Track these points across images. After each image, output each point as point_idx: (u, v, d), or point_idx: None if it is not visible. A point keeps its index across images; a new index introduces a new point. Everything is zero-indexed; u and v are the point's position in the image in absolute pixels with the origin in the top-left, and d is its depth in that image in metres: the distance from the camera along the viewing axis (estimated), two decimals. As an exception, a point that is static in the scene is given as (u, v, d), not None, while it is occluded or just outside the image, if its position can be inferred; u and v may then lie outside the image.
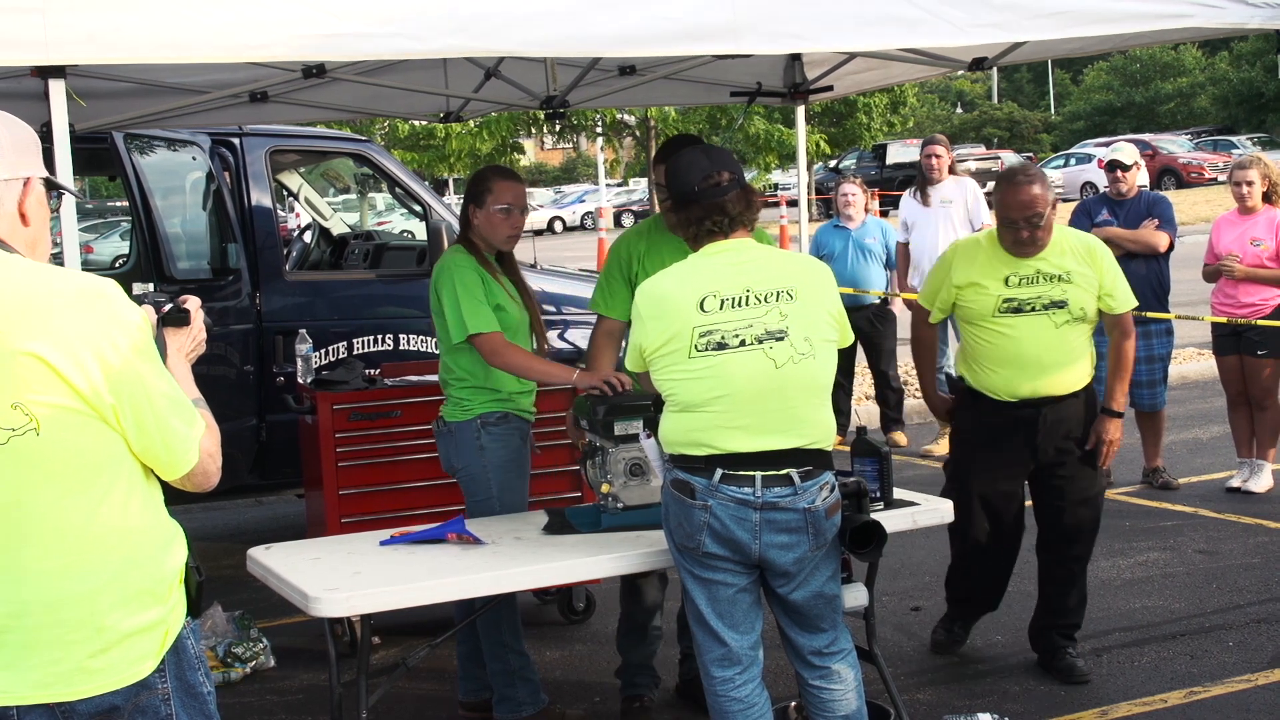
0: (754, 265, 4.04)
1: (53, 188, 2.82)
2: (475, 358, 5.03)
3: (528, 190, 5.43)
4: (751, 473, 3.95)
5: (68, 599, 2.62)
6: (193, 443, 2.76)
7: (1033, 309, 5.27)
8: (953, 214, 9.60)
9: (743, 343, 3.94)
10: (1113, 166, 8.39)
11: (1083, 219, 8.43)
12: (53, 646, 2.62)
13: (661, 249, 5.05)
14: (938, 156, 9.74)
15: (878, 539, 4.14)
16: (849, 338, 4.20)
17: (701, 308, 3.95)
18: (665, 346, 3.99)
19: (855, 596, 4.50)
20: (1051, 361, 5.32)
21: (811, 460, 4.03)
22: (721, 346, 3.94)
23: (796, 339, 3.98)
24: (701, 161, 4.13)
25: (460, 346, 5.01)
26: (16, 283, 2.60)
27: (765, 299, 3.98)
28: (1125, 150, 8.54)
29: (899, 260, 9.92)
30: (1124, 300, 5.40)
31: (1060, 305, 5.26)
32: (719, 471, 3.95)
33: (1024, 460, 5.50)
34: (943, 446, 9.75)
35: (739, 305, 3.96)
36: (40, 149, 2.80)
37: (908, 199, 9.97)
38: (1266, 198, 8.16)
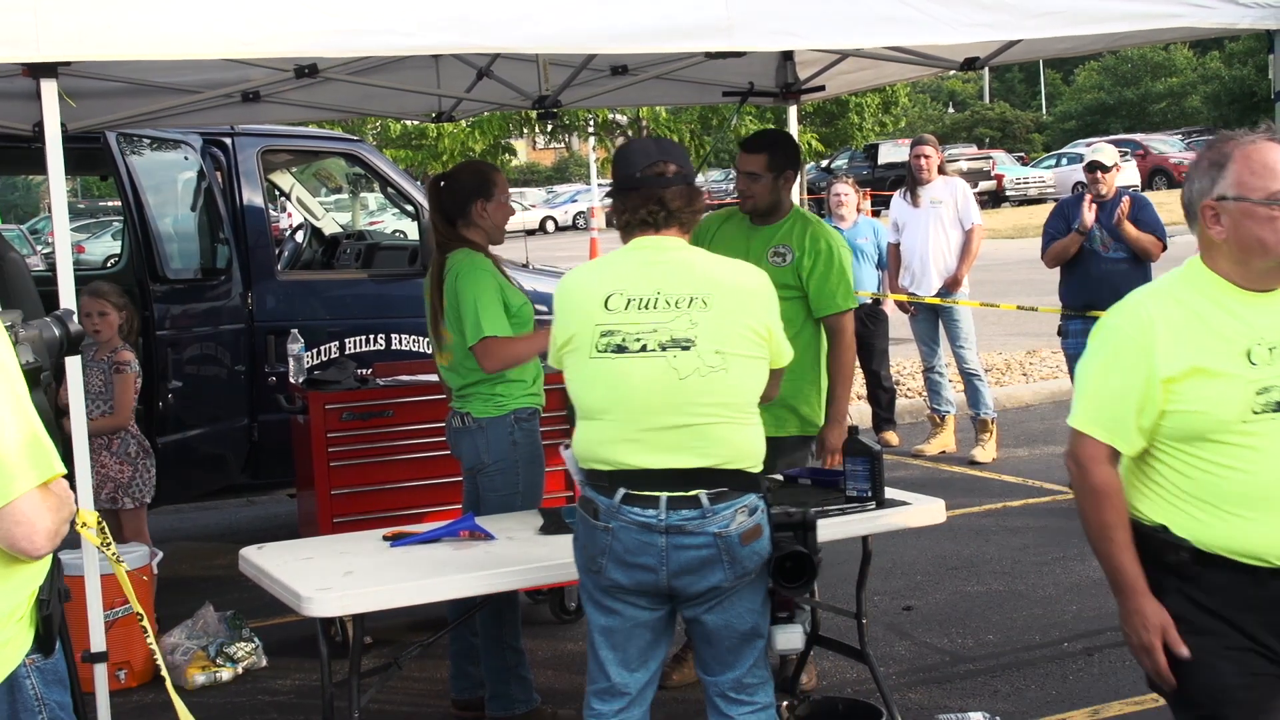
0: (672, 267, 3.73)
1: None
2: (471, 359, 5.05)
3: (520, 190, 5.51)
4: (656, 493, 3.63)
5: None
6: (21, 474, 2.54)
7: None
8: (943, 214, 9.61)
9: (644, 348, 3.62)
10: (1093, 167, 8.41)
11: (1059, 223, 8.45)
12: None
13: (729, 230, 5.47)
14: (926, 157, 9.74)
15: (808, 574, 3.75)
16: (782, 359, 3.84)
17: (606, 305, 3.67)
18: (569, 344, 3.73)
19: (789, 639, 4.05)
20: None
21: (726, 481, 3.66)
22: (621, 350, 3.63)
23: (705, 350, 3.62)
24: (650, 149, 3.90)
25: None
26: None
27: (676, 304, 3.65)
28: (1105, 151, 8.57)
29: (890, 261, 9.93)
30: None
31: None
32: (621, 491, 3.64)
33: None
34: (934, 446, 9.80)
35: (646, 307, 3.65)
36: None
37: (898, 200, 9.98)
38: None
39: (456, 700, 5.33)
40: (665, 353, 3.62)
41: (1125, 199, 8.22)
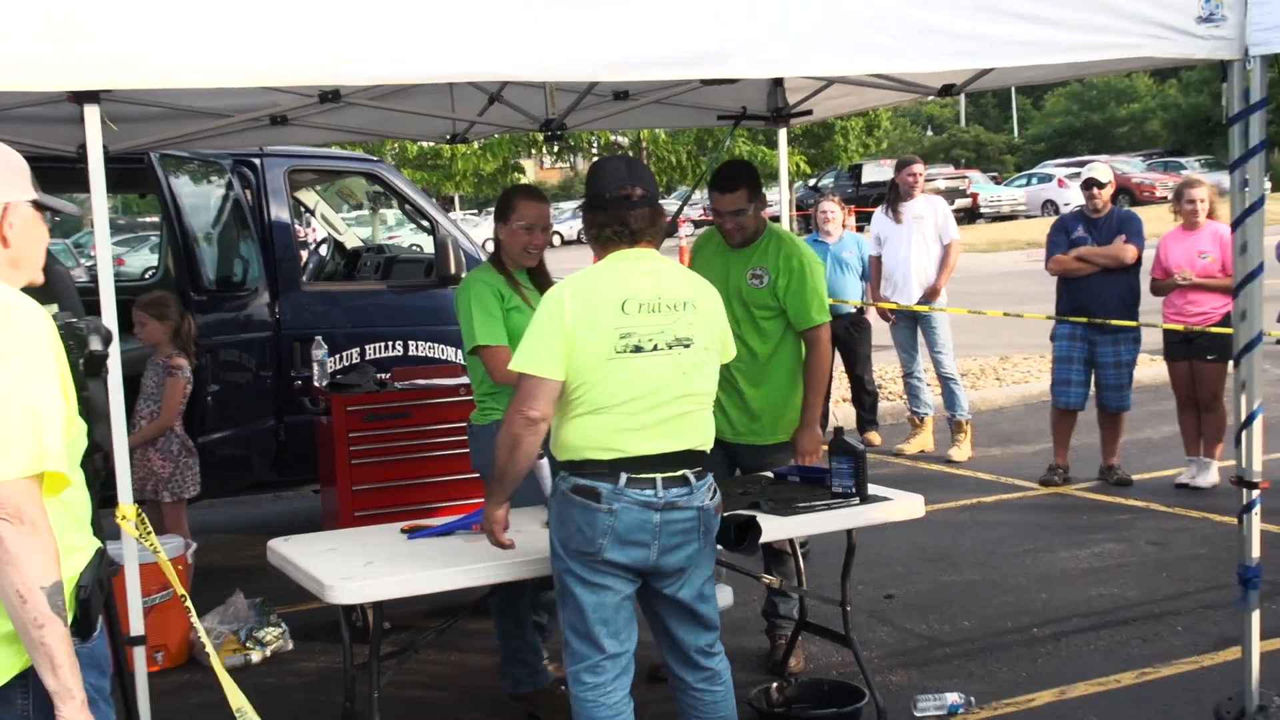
0: (662, 274, 3.91)
1: (44, 209, 2.76)
2: (481, 369, 5.01)
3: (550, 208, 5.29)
4: (653, 475, 3.79)
5: None
6: (9, 460, 2.42)
7: None
8: (925, 229, 9.63)
9: (655, 347, 3.79)
10: (1089, 184, 8.46)
11: (1060, 235, 8.49)
12: None
13: (709, 253, 5.48)
14: (918, 175, 9.79)
15: (753, 533, 4.12)
16: (730, 354, 4.09)
17: (623, 309, 3.79)
18: (578, 343, 3.76)
19: (724, 597, 4.44)
20: None
21: (701, 461, 3.90)
22: (638, 349, 3.77)
23: (699, 347, 3.87)
24: (620, 171, 4.00)
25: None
26: None
27: (675, 307, 3.85)
28: (1100, 169, 8.61)
29: (872, 272, 9.91)
30: None
31: None
32: (624, 475, 3.77)
33: None
34: (913, 446, 9.80)
35: (653, 310, 3.81)
36: (27, 174, 2.73)
37: (880, 215, 9.95)
38: (1208, 213, 8.27)
39: (512, 694, 5.21)
40: (671, 350, 3.82)
41: (1121, 236, 8.26)
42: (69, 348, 2.80)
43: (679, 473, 3.83)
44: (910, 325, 9.74)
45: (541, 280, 5.09)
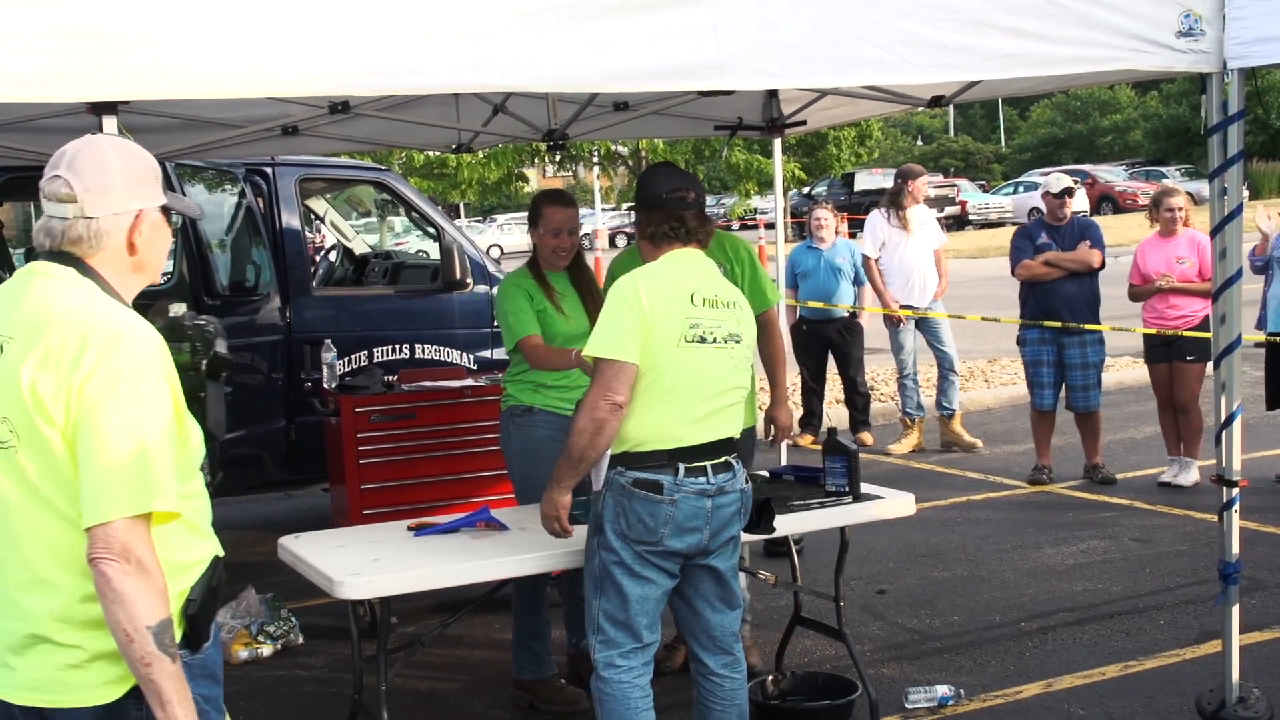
0: (714, 274, 4.01)
1: (169, 212, 2.69)
2: (517, 357, 5.09)
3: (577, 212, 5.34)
4: (704, 463, 3.84)
5: (41, 612, 2.42)
6: (117, 501, 2.33)
7: None
8: (927, 235, 9.75)
9: (715, 340, 3.86)
10: (1061, 194, 8.52)
11: (1025, 242, 8.55)
12: (35, 653, 2.43)
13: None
14: (926, 184, 9.96)
15: (767, 515, 4.23)
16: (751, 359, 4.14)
17: (692, 301, 3.85)
18: (653, 330, 3.77)
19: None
20: None
21: (736, 447, 3.99)
22: (702, 341, 3.83)
23: (745, 344, 3.96)
24: (674, 176, 4.13)
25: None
26: (46, 305, 2.46)
27: (728, 305, 3.93)
28: (1066, 180, 8.68)
29: (873, 275, 9.86)
30: None
31: None
32: (682, 466, 3.80)
33: None
34: (904, 446, 9.80)
35: (714, 306, 3.88)
36: (159, 177, 2.65)
37: (882, 220, 9.88)
38: (1184, 221, 8.33)
39: (515, 679, 5.24)
40: (726, 345, 3.89)
41: (1085, 241, 8.33)
42: (195, 349, 2.74)
43: (723, 459, 3.90)
44: (914, 328, 9.77)
45: (584, 281, 5.20)
